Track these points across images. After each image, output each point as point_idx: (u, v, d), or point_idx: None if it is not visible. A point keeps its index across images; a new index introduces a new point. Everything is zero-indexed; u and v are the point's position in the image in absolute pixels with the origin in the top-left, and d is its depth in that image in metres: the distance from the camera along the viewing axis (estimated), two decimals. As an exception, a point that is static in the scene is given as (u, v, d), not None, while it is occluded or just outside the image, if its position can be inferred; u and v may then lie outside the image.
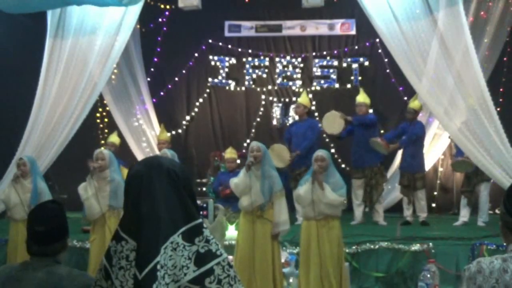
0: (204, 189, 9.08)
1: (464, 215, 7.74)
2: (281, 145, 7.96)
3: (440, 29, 7.05)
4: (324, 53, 9.91)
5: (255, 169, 5.44)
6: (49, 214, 2.41)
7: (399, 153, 8.74)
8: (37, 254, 2.37)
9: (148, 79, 9.97)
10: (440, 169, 9.26)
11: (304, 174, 5.90)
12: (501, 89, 8.72)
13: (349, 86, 9.76)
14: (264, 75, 10.09)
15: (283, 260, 5.83)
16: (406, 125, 8.02)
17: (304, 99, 8.35)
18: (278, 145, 7.95)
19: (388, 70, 9.30)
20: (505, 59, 8.77)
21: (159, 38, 10.00)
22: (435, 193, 9.12)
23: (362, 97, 8.16)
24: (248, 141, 9.60)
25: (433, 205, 8.92)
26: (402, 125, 8.15)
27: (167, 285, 1.71)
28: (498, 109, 7.47)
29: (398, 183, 8.15)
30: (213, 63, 10.16)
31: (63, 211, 2.48)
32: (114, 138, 8.56)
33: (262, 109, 10.07)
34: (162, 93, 10.12)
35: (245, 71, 10.13)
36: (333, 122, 8.05)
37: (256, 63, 10.12)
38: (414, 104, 7.87)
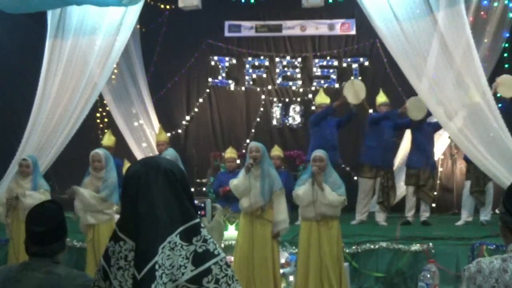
0: (204, 189, 9.08)
1: (469, 215, 7.72)
2: (360, 82, 7.98)
3: (440, 28, 7.03)
4: (324, 53, 9.92)
5: (255, 169, 5.44)
6: (48, 215, 2.40)
7: (400, 152, 8.76)
8: (36, 255, 2.37)
9: (148, 79, 9.97)
10: (440, 169, 9.25)
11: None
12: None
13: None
14: (264, 75, 10.09)
15: (283, 260, 5.83)
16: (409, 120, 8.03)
17: (326, 99, 8.16)
18: (358, 81, 8.01)
19: (388, 70, 9.30)
20: (505, 58, 8.76)
21: (159, 38, 10.00)
22: (435, 193, 9.10)
23: (383, 98, 8.07)
24: (248, 141, 9.60)
25: (433, 205, 8.91)
26: (406, 120, 8.03)
27: (165, 285, 1.71)
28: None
29: (411, 183, 7.94)
30: (213, 63, 10.16)
31: (62, 211, 2.47)
32: (108, 141, 8.45)
33: (262, 109, 10.08)
34: (162, 93, 10.12)
35: (245, 71, 10.13)
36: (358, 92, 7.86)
37: (256, 63, 10.11)
38: None
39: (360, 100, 7.85)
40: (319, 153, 5.41)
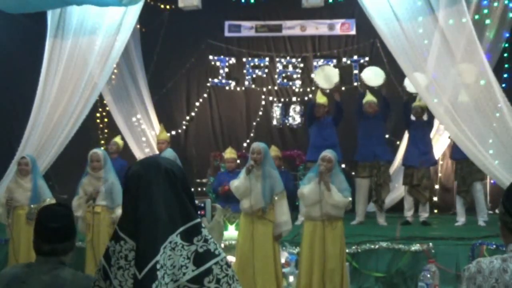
0: (204, 189, 9.08)
1: (462, 215, 7.73)
2: (332, 68, 8.21)
3: (441, 27, 7.01)
4: (324, 53, 9.93)
5: (256, 169, 5.43)
6: (60, 213, 2.43)
7: (400, 152, 8.75)
8: (47, 253, 2.36)
9: (148, 79, 9.97)
10: (440, 169, 9.25)
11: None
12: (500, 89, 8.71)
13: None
14: (264, 75, 10.10)
15: (283, 260, 5.82)
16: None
17: (323, 98, 8.15)
18: (329, 67, 8.26)
19: (388, 70, 9.29)
20: (505, 58, 8.76)
21: (159, 38, 10.00)
22: (435, 195, 9.11)
23: (369, 97, 8.06)
24: (248, 141, 9.61)
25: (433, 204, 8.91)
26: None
27: (167, 285, 1.71)
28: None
29: (407, 183, 7.90)
30: (213, 63, 10.16)
31: (72, 212, 2.53)
32: (118, 139, 8.63)
33: (262, 109, 10.08)
34: (162, 93, 10.12)
35: (245, 71, 10.14)
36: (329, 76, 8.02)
37: (256, 63, 10.12)
38: (422, 103, 7.82)
39: (333, 84, 7.89)
40: (328, 153, 5.39)
